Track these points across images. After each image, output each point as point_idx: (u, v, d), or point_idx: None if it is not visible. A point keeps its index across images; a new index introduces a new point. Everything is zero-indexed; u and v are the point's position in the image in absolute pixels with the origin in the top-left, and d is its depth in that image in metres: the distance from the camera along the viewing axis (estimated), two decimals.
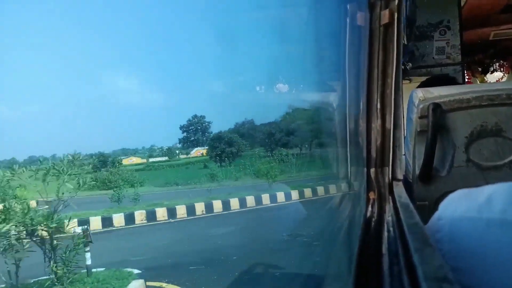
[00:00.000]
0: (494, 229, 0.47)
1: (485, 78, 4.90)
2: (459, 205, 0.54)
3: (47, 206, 5.36)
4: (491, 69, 4.79)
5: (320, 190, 15.20)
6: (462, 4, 3.13)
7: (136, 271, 6.54)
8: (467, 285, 0.50)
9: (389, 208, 0.78)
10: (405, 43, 2.06)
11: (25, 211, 4.84)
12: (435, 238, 0.55)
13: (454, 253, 0.52)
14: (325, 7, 1.32)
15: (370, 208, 0.80)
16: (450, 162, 1.18)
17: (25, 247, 4.89)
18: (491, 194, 0.50)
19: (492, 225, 0.48)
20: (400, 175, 0.93)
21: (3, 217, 4.71)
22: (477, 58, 4.77)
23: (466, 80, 4.72)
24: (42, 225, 4.88)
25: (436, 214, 0.57)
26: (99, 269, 6.48)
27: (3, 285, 4.96)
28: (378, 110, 0.89)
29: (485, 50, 4.70)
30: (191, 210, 12.82)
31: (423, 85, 1.63)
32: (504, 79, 4.77)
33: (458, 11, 2.93)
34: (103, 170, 26.81)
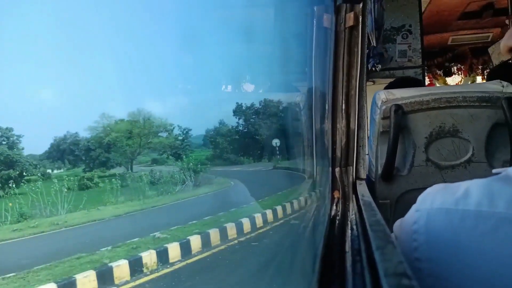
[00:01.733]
0: (469, 221, 0.49)
1: (446, 80, 5.12)
2: (437, 198, 0.55)
3: None
4: (452, 72, 5.01)
5: None
6: (423, 10, 3.25)
7: None
8: (440, 275, 0.51)
9: (352, 206, 0.80)
10: (374, 45, 2.11)
11: None
12: (411, 229, 0.56)
13: (429, 244, 0.53)
14: (292, 8, 1.34)
15: (334, 207, 0.82)
16: (411, 161, 1.22)
17: None
18: (468, 188, 0.52)
19: (467, 217, 0.49)
20: (363, 175, 0.95)
21: None
22: (437, 62, 4.97)
23: (429, 82, 4.92)
24: None
25: (414, 206, 0.58)
26: None
27: None
28: (343, 111, 0.91)
29: (444, 54, 4.91)
30: None
31: (390, 86, 1.68)
32: (463, 82, 5.01)
33: (419, 17, 3.05)
34: None
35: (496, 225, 0.47)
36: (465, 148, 1.20)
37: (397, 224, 0.63)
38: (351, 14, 0.90)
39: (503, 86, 1.21)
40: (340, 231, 0.69)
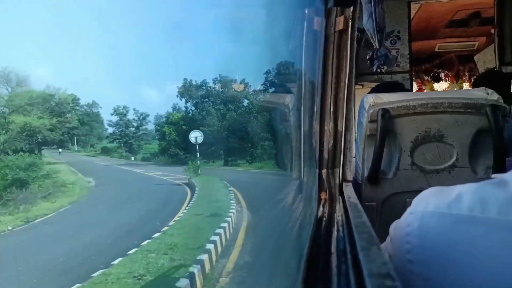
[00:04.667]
0: (461, 225, 0.50)
1: (433, 86, 5.20)
2: (431, 201, 0.55)
3: None
4: (441, 78, 5.09)
5: None
6: (412, 16, 3.30)
7: None
8: (432, 278, 0.52)
9: (339, 208, 0.81)
10: (377, 47, 2.14)
11: None
12: (405, 231, 0.57)
13: (422, 247, 0.54)
14: (282, 10, 1.34)
15: (321, 208, 0.82)
16: (396, 165, 1.24)
17: None
18: (460, 192, 0.52)
19: (460, 221, 0.50)
20: (350, 177, 0.96)
21: None
22: (424, 68, 5.04)
23: (418, 88, 5.00)
24: None
25: (409, 208, 0.59)
26: None
27: None
28: (331, 113, 0.92)
29: (431, 61, 4.99)
30: None
31: (374, 91, 1.70)
32: (450, 88, 5.09)
33: (408, 23, 3.10)
34: None
35: (488, 230, 0.47)
36: (449, 153, 1.22)
37: (393, 226, 0.64)
38: (341, 18, 0.91)
39: (487, 94, 1.23)
40: (326, 232, 0.69)
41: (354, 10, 0.92)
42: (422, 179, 1.23)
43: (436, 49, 4.63)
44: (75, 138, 47.24)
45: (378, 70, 2.30)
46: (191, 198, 14.78)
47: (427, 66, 5.04)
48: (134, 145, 40.57)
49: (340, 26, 0.90)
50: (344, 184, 0.93)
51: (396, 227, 0.62)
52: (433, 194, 0.57)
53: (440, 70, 5.06)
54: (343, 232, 0.64)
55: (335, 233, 0.66)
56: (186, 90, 34.53)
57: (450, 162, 1.22)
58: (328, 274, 0.53)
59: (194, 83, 34.50)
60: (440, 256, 0.51)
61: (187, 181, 20.49)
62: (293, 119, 1.27)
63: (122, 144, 41.02)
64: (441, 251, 0.51)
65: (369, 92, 1.44)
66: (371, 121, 1.22)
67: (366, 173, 1.26)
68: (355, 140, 1.27)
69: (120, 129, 41.28)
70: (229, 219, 9.94)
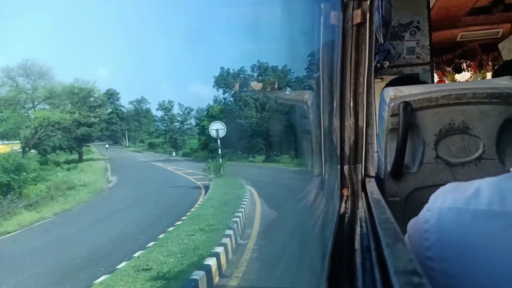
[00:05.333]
0: (480, 220, 0.49)
1: (455, 77, 5.06)
2: (448, 197, 0.55)
3: None
4: (462, 68, 4.95)
5: None
6: (431, 6, 3.22)
7: None
8: (452, 274, 0.51)
9: (362, 204, 0.80)
10: (382, 42, 2.11)
11: None
12: (423, 228, 0.57)
13: (441, 243, 0.53)
14: (299, 6, 1.33)
15: (343, 205, 0.81)
16: (420, 159, 1.21)
17: None
18: (479, 187, 0.52)
19: (478, 216, 0.49)
20: (372, 172, 0.94)
21: None
22: (446, 58, 4.91)
23: (438, 79, 4.88)
24: None
25: (426, 205, 0.59)
26: None
27: None
28: (351, 108, 0.91)
29: (453, 51, 4.86)
30: None
31: (389, 84, 1.67)
32: (473, 78, 4.95)
33: (427, 13, 3.03)
34: None
35: (507, 224, 0.47)
36: (475, 145, 1.18)
37: (410, 223, 0.64)
38: (359, 11, 0.89)
39: None
40: (349, 228, 0.69)
41: (371, 3, 0.90)
42: (448, 172, 1.20)
43: (458, 39, 4.50)
44: (126, 133, 48.40)
45: (378, 65, 2.26)
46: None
47: (448, 56, 4.91)
48: (179, 140, 40.57)
49: (357, 19, 0.89)
50: (367, 179, 0.92)
51: (413, 224, 0.62)
52: (450, 190, 0.57)
53: (462, 60, 4.92)
54: (367, 229, 0.64)
55: (358, 229, 0.66)
56: (223, 79, 33.58)
57: (476, 155, 1.19)
58: (352, 271, 0.53)
59: (231, 71, 33.61)
60: (459, 251, 0.51)
61: (208, 182, 18.18)
62: (312, 115, 1.26)
63: (167, 139, 41.37)
64: (460, 247, 0.51)
65: (386, 85, 1.41)
66: (392, 115, 1.20)
67: (389, 168, 1.24)
68: (376, 134, 1.25)
69: (165, 124, 41.69)
70: (211, 262, 6.47)
